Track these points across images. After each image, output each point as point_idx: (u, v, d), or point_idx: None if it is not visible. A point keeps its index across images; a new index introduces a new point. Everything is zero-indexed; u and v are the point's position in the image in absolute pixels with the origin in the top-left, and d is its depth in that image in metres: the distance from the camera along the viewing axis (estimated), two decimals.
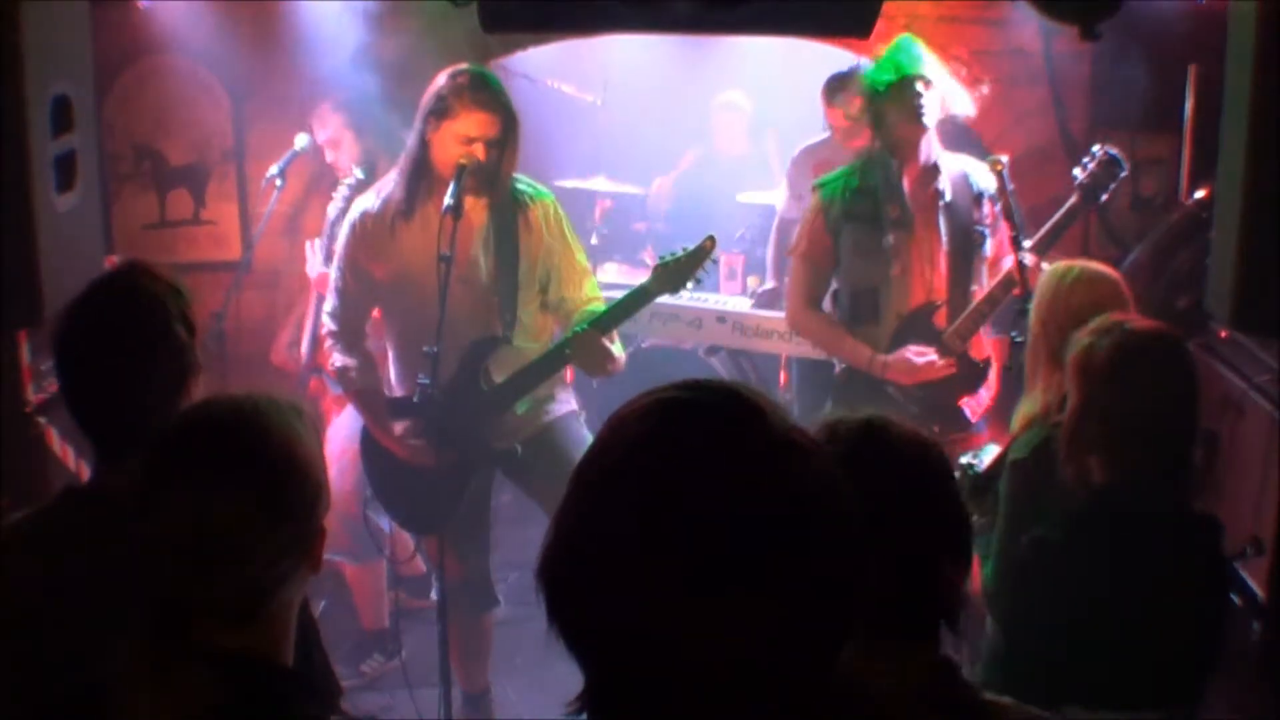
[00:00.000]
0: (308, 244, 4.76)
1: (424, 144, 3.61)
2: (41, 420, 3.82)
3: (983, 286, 3.87)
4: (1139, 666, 2.41)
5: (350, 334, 3.84)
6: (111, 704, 1.57)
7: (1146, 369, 2.44)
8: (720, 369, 5.61)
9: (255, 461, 1.62)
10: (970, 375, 3.90)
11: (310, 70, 4.75)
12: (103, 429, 2.13)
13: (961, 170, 3.91)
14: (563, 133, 6.01)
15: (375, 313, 3.94)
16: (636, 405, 1.08)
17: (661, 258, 3.66)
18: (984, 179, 3.84)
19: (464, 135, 3.54)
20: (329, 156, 4.72)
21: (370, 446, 3.87)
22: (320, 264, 4.66)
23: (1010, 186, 3.65)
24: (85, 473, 2.86)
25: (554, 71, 5.78)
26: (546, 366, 3.70)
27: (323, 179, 4.88)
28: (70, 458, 3.94)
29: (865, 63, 4.00)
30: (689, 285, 3.65)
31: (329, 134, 4.66)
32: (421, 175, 3.65)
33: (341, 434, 4.39)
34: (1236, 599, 3.30)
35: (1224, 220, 2.63)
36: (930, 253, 3.86)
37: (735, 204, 6.08)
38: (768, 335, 5.24)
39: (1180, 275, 4.33)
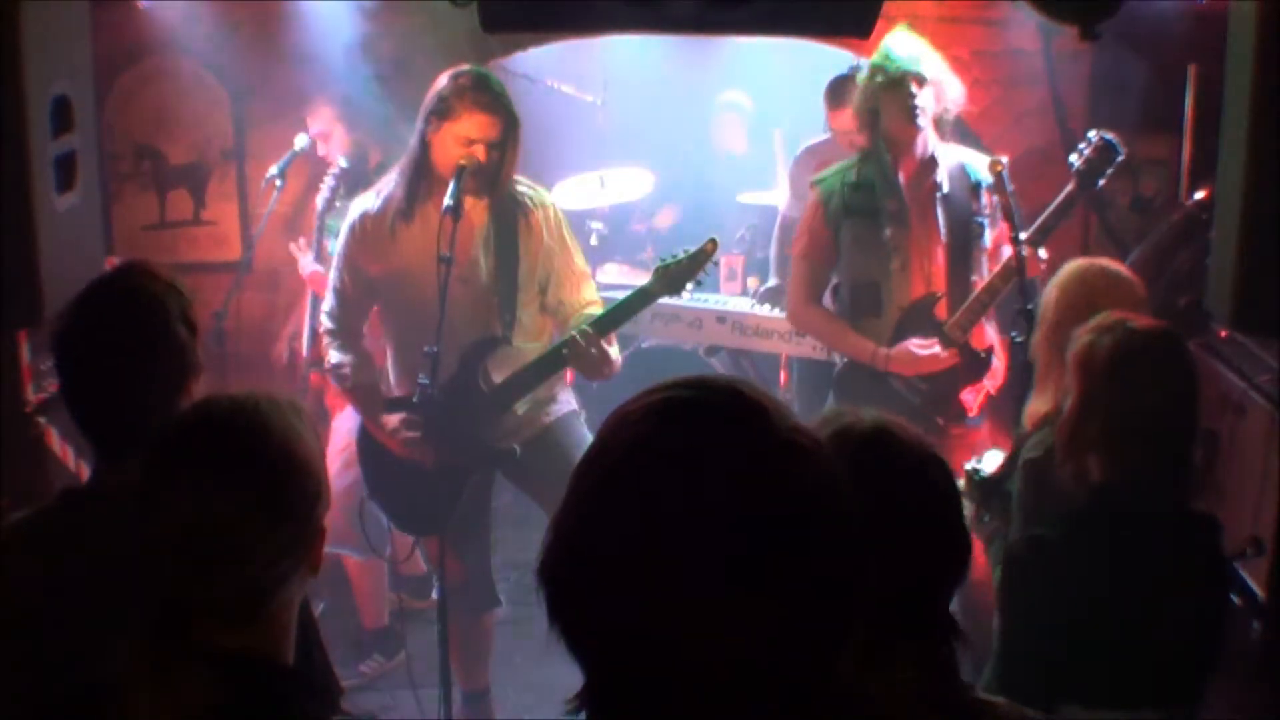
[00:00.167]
0: (292, 245, 4.76)
1: (424, 144, 3.62)
2: (41, 420, 3.83)
3: (983, 277, 3.87)
4: (1139, 666, 2.41)
5: (347, 333, 3.84)
6: (111, 704, 1.57)
7: (1147, 367, 2.43)
8: (720, 369, 5.61)
9: (255, 461, 1.62)
10: (972, 365, 3.90)
11: (310, 70, 4.75)
12: (103, 429, 2.13)
13: (959, 161, 3.91)
14: (563, 133, 6.00)
15: (374, 312, 3.94)
16: (637, 404, 1.08)
17: (662, 260, 3.67)
18: (982, 169, 3.83)
19: (465, 136, 3.55)
20: (320, 150, 4.72)
21: (367, 446, 3.87)
22: (311, 261, 4.66)
23: (1010, 187, 3.65)
24: (85, 473, 2.85)
25: (554, 71, 5.77)
26: (545, 367, 3.70)
27: (322, 178, 4.88)
28: (70, 458, 3.95)
29: (865, 64, 3.99)
30: (689, 286, 3.65)
31: (320, 126, 4.67)
32: (422, 175, 3.65)
33: (345, 427, 4.39)
34: (1236, 599, 3.30)
35: (1224, 220, 2.63)
36: (929, 245, 3.87)
37: (735, 204, 6.08)
38: (768, 335, 5.24)
39: (1180, 275, 4.33)
